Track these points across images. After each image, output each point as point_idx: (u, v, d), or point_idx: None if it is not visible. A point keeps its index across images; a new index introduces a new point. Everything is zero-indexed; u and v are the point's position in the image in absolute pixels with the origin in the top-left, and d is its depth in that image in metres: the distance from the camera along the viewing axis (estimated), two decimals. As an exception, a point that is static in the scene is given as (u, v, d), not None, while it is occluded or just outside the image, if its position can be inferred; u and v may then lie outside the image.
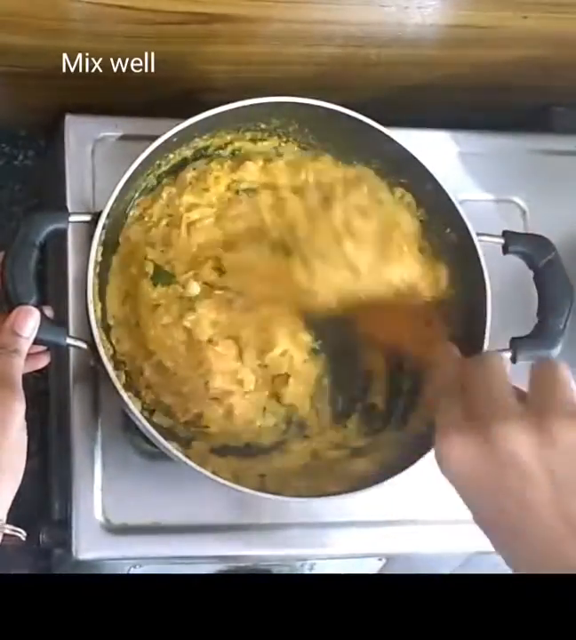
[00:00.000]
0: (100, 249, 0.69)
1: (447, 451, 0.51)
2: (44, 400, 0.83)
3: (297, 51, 0.80)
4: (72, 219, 0.68)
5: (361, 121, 0.74)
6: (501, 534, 0.50)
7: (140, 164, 0.69)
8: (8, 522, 0.59)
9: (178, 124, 0.71)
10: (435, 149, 0.82)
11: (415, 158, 0.74)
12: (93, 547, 0.70)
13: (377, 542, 0.75)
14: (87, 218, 0.68)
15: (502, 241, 0.73)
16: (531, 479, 0.48)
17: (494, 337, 0.71)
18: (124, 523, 0.71)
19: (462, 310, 0.74)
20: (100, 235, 0.68)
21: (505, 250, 0.73)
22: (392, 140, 0.74)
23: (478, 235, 0.73)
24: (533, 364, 0.53)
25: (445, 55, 0.84)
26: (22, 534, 0.60)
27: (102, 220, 0.67)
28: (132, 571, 0.74)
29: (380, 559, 0.78)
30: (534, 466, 0.48)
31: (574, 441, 0.48)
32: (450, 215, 0.74)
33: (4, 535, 0.59)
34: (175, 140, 0.71)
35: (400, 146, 0.74)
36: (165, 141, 0.70)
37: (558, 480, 0.48)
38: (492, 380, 0.52)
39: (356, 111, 0.73)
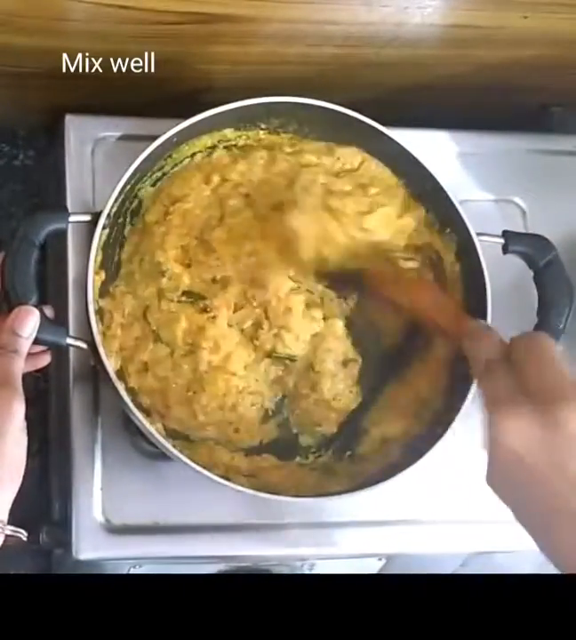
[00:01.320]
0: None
1: (506, 425, 0.50)
2: (44, 400, 0.83)
3: (297, 51, 0.80)
4: (72, 219, 0.68)
5: (361, 121, 0.74)
6: (548, 521, 0.50)
7: (141, 164, 0.69)
8: (9, 522, 0.59)
9: (178, 124, 0.71)
10: (435, 149, 0.82)
11: (415, 158, 0.74)
12: (93, 547, 0.70)
13: (377, 542, 0.75)
14: (87, 218, 0.68)
15: (502, 241, 0.74)
16: None
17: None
18: (124, 523, 0.71)
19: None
20: (100, 235, 0.68)
21: (505, 250, 0.73)
22: (392, 139, 0.74)
23: (478, 234, 0.73)
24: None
25: (445, 55, 0.84)
26: (23, 535, 0.60)
27: (102, 220, 0.67)
28: (132, 571, 0.74)
29: (379, 559, 0.78)
30: None
31: None
32: (450, 215, 0.74)
33: (6, 536, 0.59)
34: (175, 139, 0.72)
35: (400, 146, 0.74)
36: (165, 141, 0.70)
37: None
38: (548, 359, 0.52)
39: (356, 111, 0.74)
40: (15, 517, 0.59)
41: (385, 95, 0.87)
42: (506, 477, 0.52)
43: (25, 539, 0.60)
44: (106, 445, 0.72)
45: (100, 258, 0.69)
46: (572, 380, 0.51)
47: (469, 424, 0.67)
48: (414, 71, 0.85)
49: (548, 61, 0.85)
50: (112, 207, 0.68)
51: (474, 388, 0.68)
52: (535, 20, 0.78)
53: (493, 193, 0.86)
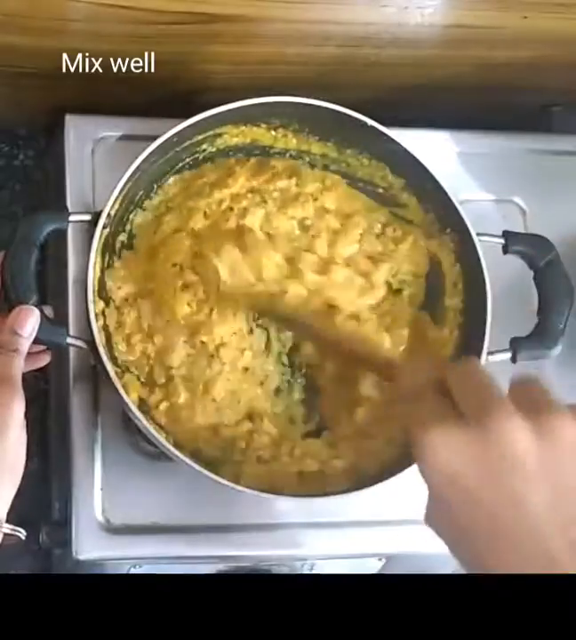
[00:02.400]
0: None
1: (434, 446, 0.48)
2: (44, 400, 0.83)
3: (297, 51, 0.80)
4: (72, 218, 0.68)
5: (361, 121, 0.74)
6: (480, 535, 0.48)
7: (141, 163, 0.69)
8: (8, 521, 0.59)
9: (178, 124, 0.71)
10: (435, 149, 0.82)
11: (415, 158, 0.74)
12: (93, 547, 0.70)
13: (377, 542, 0.75)
14: (87, 217, 0.68)
15: (502, 241, 0.74)
16: (527, 476, 0.47)
17: (494, 337, 0.71)
18: (123, 523, 0.71)
19: (462, 310, 0.74)
20: (101, 234, 0.68)
21: (505, 250, 0.73)
22: (392, 139, 0.74)
23: (478, 235, 0.73)
24: (512, 379, 0.51)
25: (445, 55, 0.84)
26: (22, 534, 0.60)
27: (102, 220, 0.67)
28: (132, 571, 0.74)
29: (379, 559, 0.78)
30: (532, 463, 0.47)
31: (573, 439, 0.47)
32: (450, 215, 0.74)
33: (4, 535, 0.59)
34: (175, 139, 0.72)
35: (400, 146, 0.74)
36: (165, 141, 0.70)
37: (554, 479, 0.47)
38: (480, 379, 0.51)
39: (357, 111, 0.74)
40: (15, 517, 0.60)
41: (385, 95, 0.87)
42: (442, 507, 0.49)
43: (23, 537, 0.60)
44: (106, 445, 0.72)
45: (99, 257, 0.69)
46: (500, 397, 0.49)
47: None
48: (414, 71, 0.85)
49: (548, 61, 0.85)
50: (112, 207, 0.68)
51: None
52: (535, 20, 0.78)
53: (493, 193, 0.86)
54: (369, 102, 0.76)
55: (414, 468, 0.66)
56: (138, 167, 0.69)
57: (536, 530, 0.46)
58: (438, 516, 0.50)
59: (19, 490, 0.60)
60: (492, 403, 0.49)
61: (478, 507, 0.48)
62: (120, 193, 0.69)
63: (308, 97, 0.73)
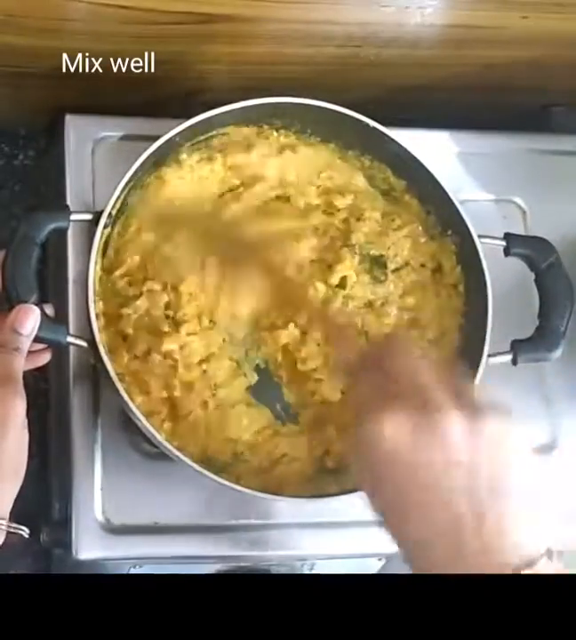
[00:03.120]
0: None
1: (380, 427, 0.50)
2: (44, 400, 0.83)
3: (297, 51, 0.80)
4: (74, 217, 0.68)
5: (362, 121, 0.74)
6: (410, 518, 0.51)
7: (141, 165, 0.69)
8: (10, 520, 0.59)
9: (178, 124, 0.71)
10: (435, 149, 0.82)
11: (415, 158, 0.74)
12: (93, 547, 0.70)
13: (377, 542, 0.75)
14: (88, 217, 0.68)
15: (504, 243, 0.73)
16: (455, 462, 0.49)
17: (495, 339, 0.70)
18: (123, 523, 0.71)
19: (463, 312, 0.74)
20: (102, 234, 0.68)
21: (506, 252, 0.73)
22: (392, 139, 0.74)
23: (480, 237, 0.73)
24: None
25: (445, 55, 0.84)
26: (25, 532, 0.60)
27: (103, 219, 0.67)
28: (132, 571, 0.74)
29: (379, 559, 0.78)
30: (461, 451, 0.49)
31: (497, 433, 0.49)
32: (451, 216, 0.74)
33: (7, 533, 0.59)
34: (177, 139, 0.72)
35: (400, 146, 0.74)
36: (166, 141, 0.70)
37: (477, 470, 0.49)
38: (414, 356, 0.54)
39: (357, 111, 0.74)
40: (15, 517, 0.59)
41: (385, 95, 0.87)
42: (380, 480, 0.52)
43: (27, 536, 0.60)
44: (106, 445, 0.72)
45: (100, 257, 0.69)
46: (439, 378, 0.51)
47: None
48: (414, 71, 0.86)
49: (548, 61, 0.85)
50: (113, 206, 0.68)
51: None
52: (535, 20, 0.78)
53: (493, 193, 0.86)
54: (369, 102, 0.76)
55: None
56: (139, 167, 0.69)
57: (451, 510, 0.48)
58: (374, 486, 0.53)
59: (19, 489, 0.60)
60: (428, 388, 0.51)
61: (411, 483, 0.50)
62: (121, 193, 0.69)
63: (308, 97, 0.73)
